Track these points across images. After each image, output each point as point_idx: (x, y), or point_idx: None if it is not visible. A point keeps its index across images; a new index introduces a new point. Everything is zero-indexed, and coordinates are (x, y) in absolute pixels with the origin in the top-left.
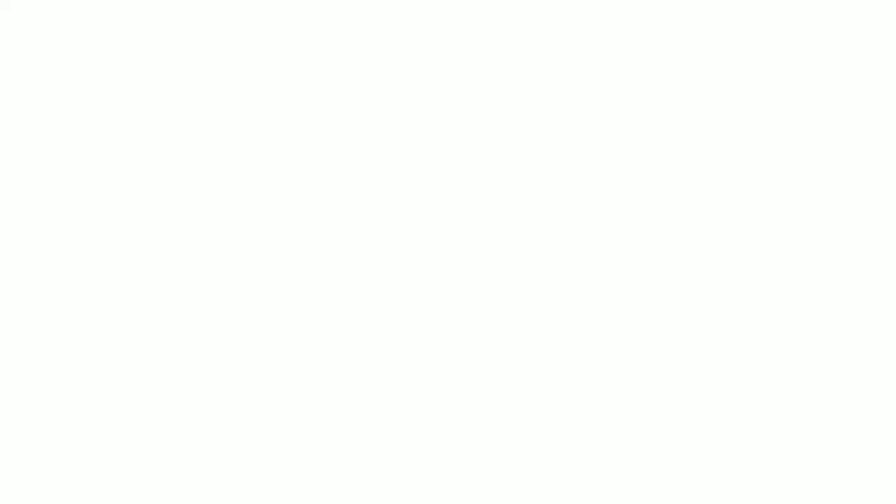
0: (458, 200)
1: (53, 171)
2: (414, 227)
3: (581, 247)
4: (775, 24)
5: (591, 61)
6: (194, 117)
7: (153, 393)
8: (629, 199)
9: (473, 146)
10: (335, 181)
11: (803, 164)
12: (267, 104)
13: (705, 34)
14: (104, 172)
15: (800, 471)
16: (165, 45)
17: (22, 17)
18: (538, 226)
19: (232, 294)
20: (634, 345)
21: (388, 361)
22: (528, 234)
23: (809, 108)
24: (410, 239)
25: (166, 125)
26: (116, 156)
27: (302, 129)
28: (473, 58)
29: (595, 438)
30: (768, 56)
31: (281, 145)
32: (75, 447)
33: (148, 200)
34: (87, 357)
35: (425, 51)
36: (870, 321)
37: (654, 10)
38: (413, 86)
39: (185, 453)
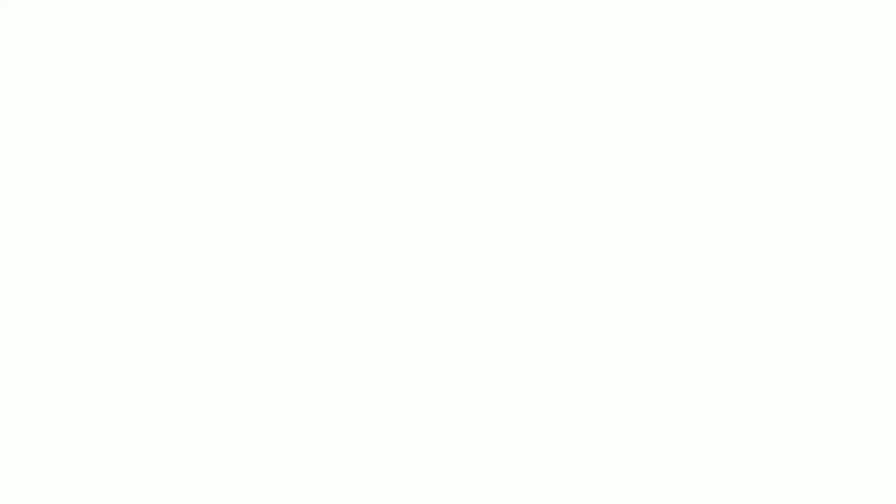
0: (458, 201)
1: (53, 170)
2: (414, 227)
3: (582, 248)
4: (776, 25)
5: (592, 62)
6: (194, 117)
7: (153, 393)
8: (631, 201)
9: (474, 147)
10: (335, 181)
11: (804, 165)
12: (267, 104)
13: (707, 34)
14: (104, 172)
15: (800, 471)
16: (165, 45)
17: (22, 17)
18: (539, 226)
19: (232, 294)
20: (635, 346)
21: (388, 362)
22: (529, 234)
23: (810, 109)
24: (410, 239)
25: (166, 125)
26: (116, 156)
27: (302, 129)
28: (474, 58)
29: (595, 439)
30: (769, 57)
31: (280, 145)
32: (75, 447)
33: (147, 200)
34: (87, 357)
35: (425, 51)
36: (870, 322)
37: (655, 11)
38: (413, 86)
39: (185, 453)
